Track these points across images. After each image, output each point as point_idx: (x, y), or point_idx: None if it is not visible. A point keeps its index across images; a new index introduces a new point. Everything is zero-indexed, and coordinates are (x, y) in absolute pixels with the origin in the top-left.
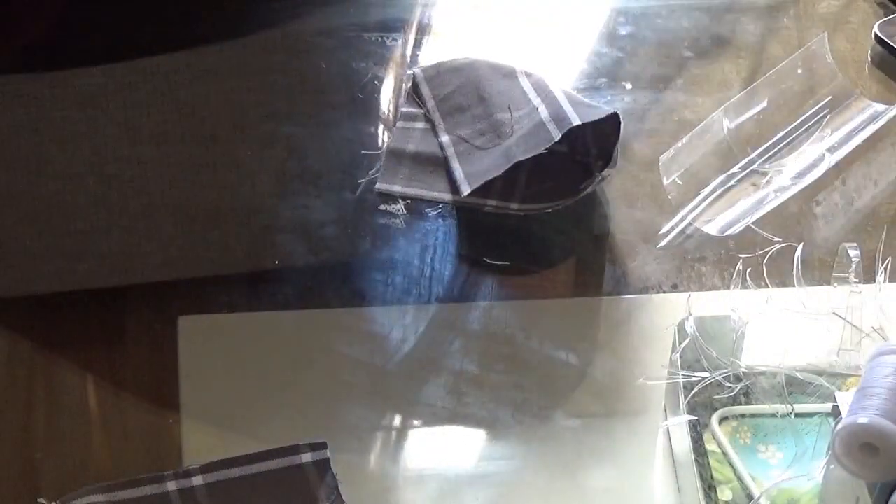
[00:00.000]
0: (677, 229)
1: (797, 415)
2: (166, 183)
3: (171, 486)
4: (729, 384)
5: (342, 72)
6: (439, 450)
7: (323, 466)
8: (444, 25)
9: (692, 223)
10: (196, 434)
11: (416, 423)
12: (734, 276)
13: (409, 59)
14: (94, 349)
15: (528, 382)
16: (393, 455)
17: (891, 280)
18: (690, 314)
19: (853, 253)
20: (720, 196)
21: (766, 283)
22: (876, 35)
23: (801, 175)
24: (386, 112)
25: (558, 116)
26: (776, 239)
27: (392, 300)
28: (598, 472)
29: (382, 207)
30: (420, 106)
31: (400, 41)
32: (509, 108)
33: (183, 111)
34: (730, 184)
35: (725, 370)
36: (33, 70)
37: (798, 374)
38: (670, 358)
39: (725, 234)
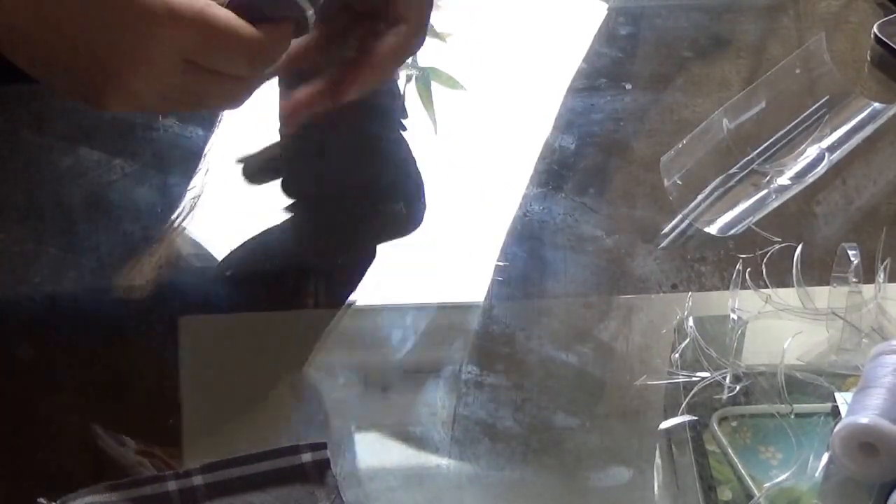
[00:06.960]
0: (678, 229)
1: (797, 415)
2: None
3: (172, 486)
4: (729, 384)
5: None
6: (439, 450)
7: (323, 466)
8: (443, 25)
9: (693, 224)
10: (196, 434)
11: (416, 423)
12: (734, 276)
13: (411, 60)
14: (94, 349)
15: (528, 382)
16: (393, 455)
17: (890, 280)
18: (690, 314)
19: (852, 253)
20: (721, 196)
21: (765, 283)
22: (875, 35)
23: (800, 175)
24: None
25: None
26: (776, 239)
27: (392, 300)
28: (599, 472)
29: None
30: None
31: None
32: None
33: None
34: (730, 184)
35: (725, 370)
36: None
37: (798, 374)
38: (670, 358)
39: (728, 235)
